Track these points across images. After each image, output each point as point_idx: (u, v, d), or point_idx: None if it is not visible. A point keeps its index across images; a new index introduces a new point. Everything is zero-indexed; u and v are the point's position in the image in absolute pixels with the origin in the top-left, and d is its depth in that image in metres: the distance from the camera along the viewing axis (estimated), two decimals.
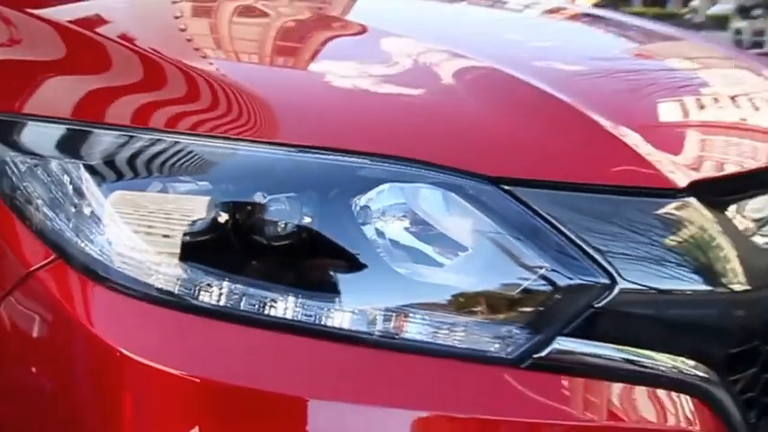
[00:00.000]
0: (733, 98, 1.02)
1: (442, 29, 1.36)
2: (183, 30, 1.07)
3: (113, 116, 0.74)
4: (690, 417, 0.73)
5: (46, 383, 0.69)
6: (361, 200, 0.68)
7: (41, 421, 0.68)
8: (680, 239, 0.73)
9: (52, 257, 0.68)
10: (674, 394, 0.72)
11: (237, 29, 1.12)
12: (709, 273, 0.74)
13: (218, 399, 0.64)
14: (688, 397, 0.72)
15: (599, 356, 0.69)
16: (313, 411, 0.64)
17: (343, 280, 0.67)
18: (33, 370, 0.70)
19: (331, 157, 0.68)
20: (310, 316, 0.66)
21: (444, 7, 1.70)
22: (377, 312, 0.67)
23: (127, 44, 0.87)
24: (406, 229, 0.69)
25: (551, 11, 1.76)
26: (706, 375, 0.73)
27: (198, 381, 0.63)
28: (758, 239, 0.81)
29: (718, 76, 1.17)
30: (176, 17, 1.13)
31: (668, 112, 0.95)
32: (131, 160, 0.70)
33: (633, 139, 0.77)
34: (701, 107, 1.00)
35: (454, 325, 0.68)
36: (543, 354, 0.67)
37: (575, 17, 1.74)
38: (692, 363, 0.73)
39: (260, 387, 0.64)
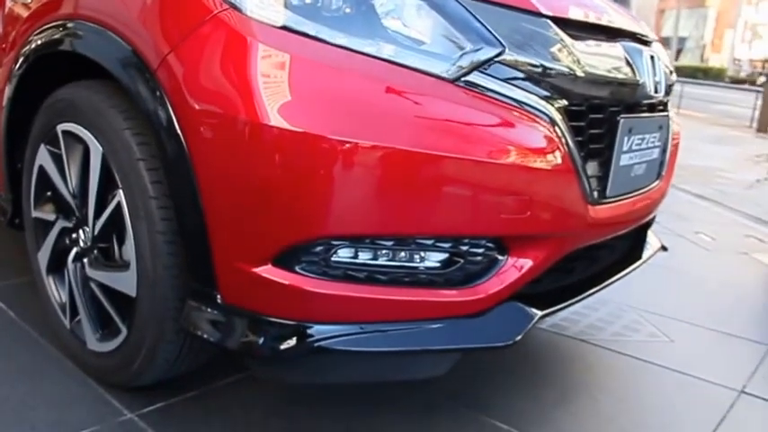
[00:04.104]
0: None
1: None
2: None
3: None
4: (543, 131, 1.39)
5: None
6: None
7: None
8: (538, 38, 1.42)
9: (225, 6, 1.31)
10: (541, 121, 1.38)
11: None
12: (555, 56, 1.43)
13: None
14: (547, 125, 1.39)
15: (496, 89, 1.36)
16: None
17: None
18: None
19: None
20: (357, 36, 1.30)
21: None
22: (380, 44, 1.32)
23: None
24: (398, 21, 1.35)
25: None
26: (556, 115, 1.41)
27: (297, 58, 1.27)
28: (589, 56, 1.51)
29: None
30: None
31: None
32: None
33: None
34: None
35: (428, 60, 1.33)
36: (466, 79, 1.34)
37: None
38: (549, 105, 1.40)
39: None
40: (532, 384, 1.89)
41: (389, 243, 1.34)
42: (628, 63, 1.61)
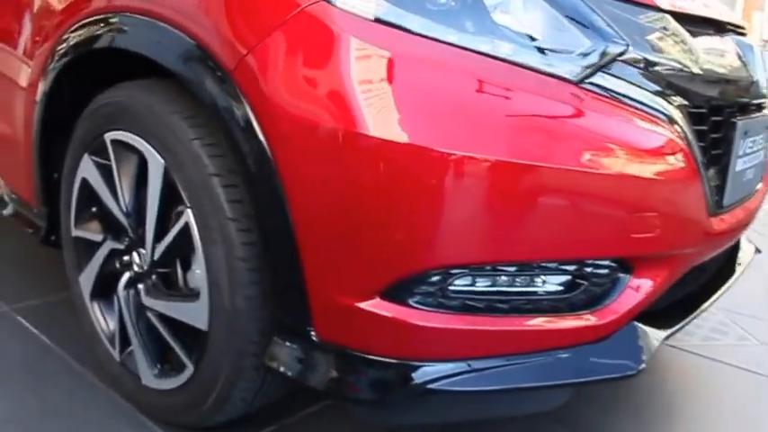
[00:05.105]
0: None
1: None
2: None
3: None
4: (672, 138, 1.23)
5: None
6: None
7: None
8: (659, 35, 1.27)
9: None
10: (669, 127, 1.23)
11: None
12: (677, 55, 1.28)
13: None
14: (676, 131, 1.24)
15: (624, 92, 1.20)
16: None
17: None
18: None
19: None
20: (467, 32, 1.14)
21: None
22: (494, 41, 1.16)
23: None
24: (510, 17, 1.18)
25: None
26: (682, 120, 1.26)
27: (389, 56, 1.10)
28: (707, 54, 1.37)
29: None
30: None
31: None
32: None
33: None
34: None
35: (549, 59, 1.17)
36: (590, 80, 1.17)
37: None
38: (675, 109, 1.25)
39: None
40: (629, 398, 1.76)
41: (511, 268, 1.19)
42: (740, 59, 1.47)
